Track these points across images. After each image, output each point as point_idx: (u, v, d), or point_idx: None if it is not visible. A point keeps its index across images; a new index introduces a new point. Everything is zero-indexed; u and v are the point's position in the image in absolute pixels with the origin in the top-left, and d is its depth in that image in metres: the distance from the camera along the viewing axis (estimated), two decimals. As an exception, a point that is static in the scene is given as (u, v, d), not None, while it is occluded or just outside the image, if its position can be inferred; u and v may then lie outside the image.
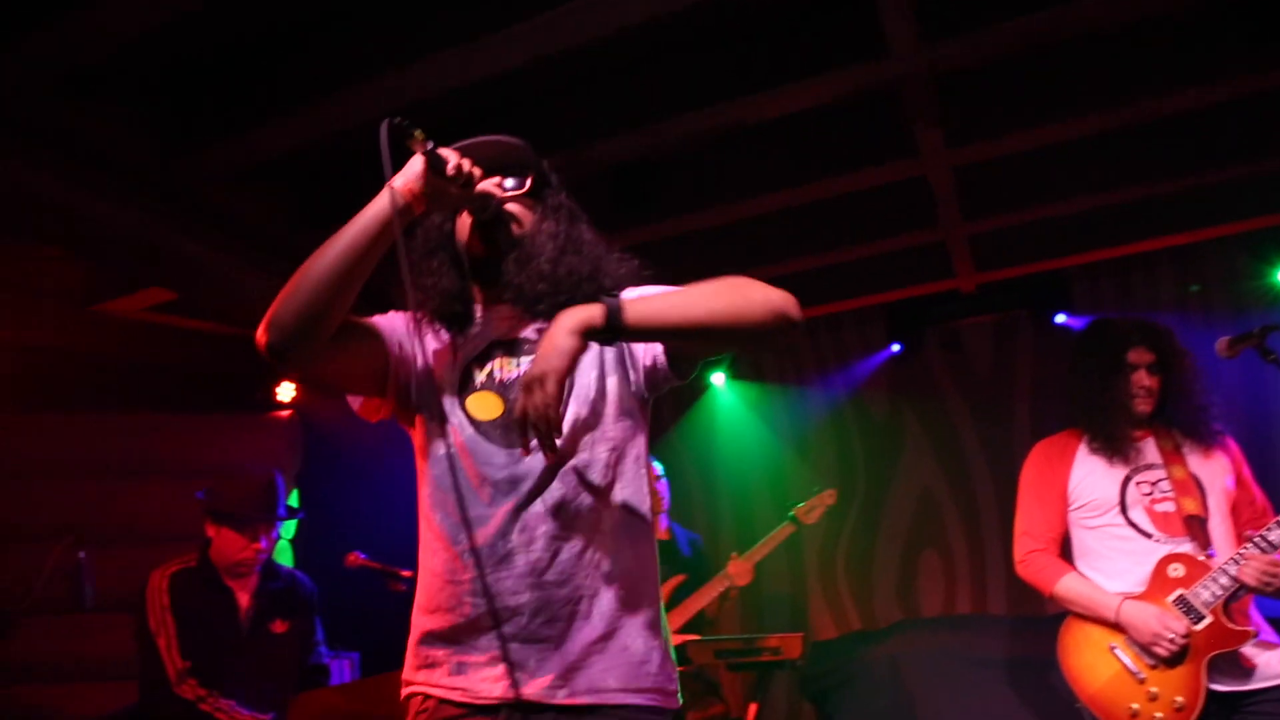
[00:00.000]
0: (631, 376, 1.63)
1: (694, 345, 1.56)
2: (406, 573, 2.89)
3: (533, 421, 1.35)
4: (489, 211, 1.58)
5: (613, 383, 1.60)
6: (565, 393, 1.54)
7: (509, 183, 1.65)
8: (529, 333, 1.62)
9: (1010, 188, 4.24)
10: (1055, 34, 3.09)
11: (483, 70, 3.04)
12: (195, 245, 3.78)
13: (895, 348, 5.35)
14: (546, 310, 1.55)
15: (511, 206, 1.64)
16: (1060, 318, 5.28)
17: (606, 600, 1.50)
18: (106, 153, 3.37)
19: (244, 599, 2.91)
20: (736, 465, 5.63)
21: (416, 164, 1.51)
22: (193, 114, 3.40)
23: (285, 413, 5.00)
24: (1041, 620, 4.51)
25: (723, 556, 4.01)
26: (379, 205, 1.50)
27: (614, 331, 1.41)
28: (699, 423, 5.74)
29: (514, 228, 1.62)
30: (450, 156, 1.50)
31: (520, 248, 1.60)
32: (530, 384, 1.36)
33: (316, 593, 3.16)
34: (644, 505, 1.60)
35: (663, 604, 1.63)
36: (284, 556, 4.69)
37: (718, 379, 5.64)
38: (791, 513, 4.05)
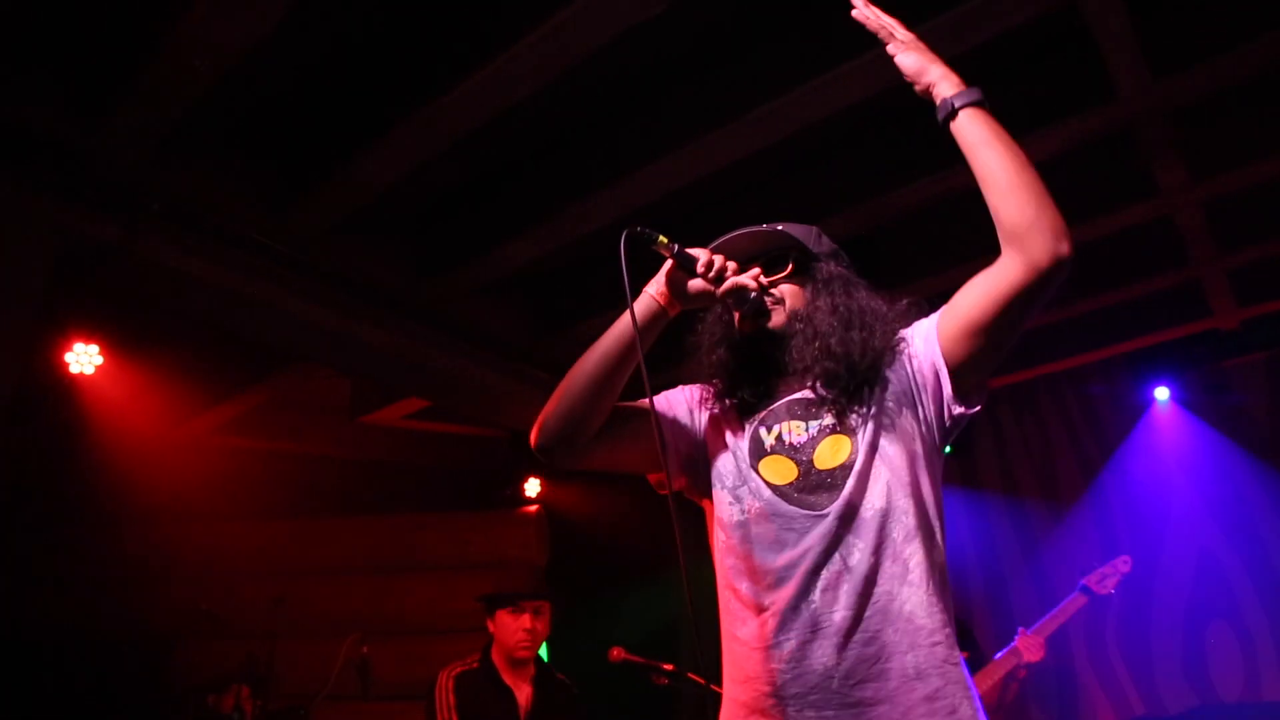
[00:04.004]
0: (921, 413, 1.56)
1: (1000, 198, 1.43)
2: (668, 665, 2.92)
3: None
4: (748, 304, 1.58)
5: (905, 423, 1.54)
6: (863, 443, 1.51)
7: (759, 271, 1.63)
8: (808, 394, 1.60)
9: (1270, 213, 3.85)
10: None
11: (704, 168, 3.19)
12: (445, 356, 4.14)
13: (1162, 395, 4.92)
14: (846, 388, 1.54)
15: (778, 291, 1.63)
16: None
17: (920, 659, 1.41)
18: (370, 281, 3.80)
19: (523, 698, 3.04)
20: (993, 535, 5.30)
21: (666, 268, 1.56)
22: (442, 239, 3.77)
23: (533, 508, 5.28)
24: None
25: (1000, 633, 3.70)
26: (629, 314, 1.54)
27: (951, 112, 1.52)
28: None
29: (778, 314, 1.61)
30: (700, 255, 1.53)
31: (799, 331, 1.59)
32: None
33: (580, 699, 3.26)
34: (943, 554, 1.52)
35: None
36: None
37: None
38: (1083, 582, 3.67)
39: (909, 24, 2.71)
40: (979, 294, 1.47)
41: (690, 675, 2.90)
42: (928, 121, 3.20)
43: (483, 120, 2.92)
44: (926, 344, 1.55)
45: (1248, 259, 4.05)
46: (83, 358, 3.60)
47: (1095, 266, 4.14)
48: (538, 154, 3.39)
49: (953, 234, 3.77)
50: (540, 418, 1.59)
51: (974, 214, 3.66)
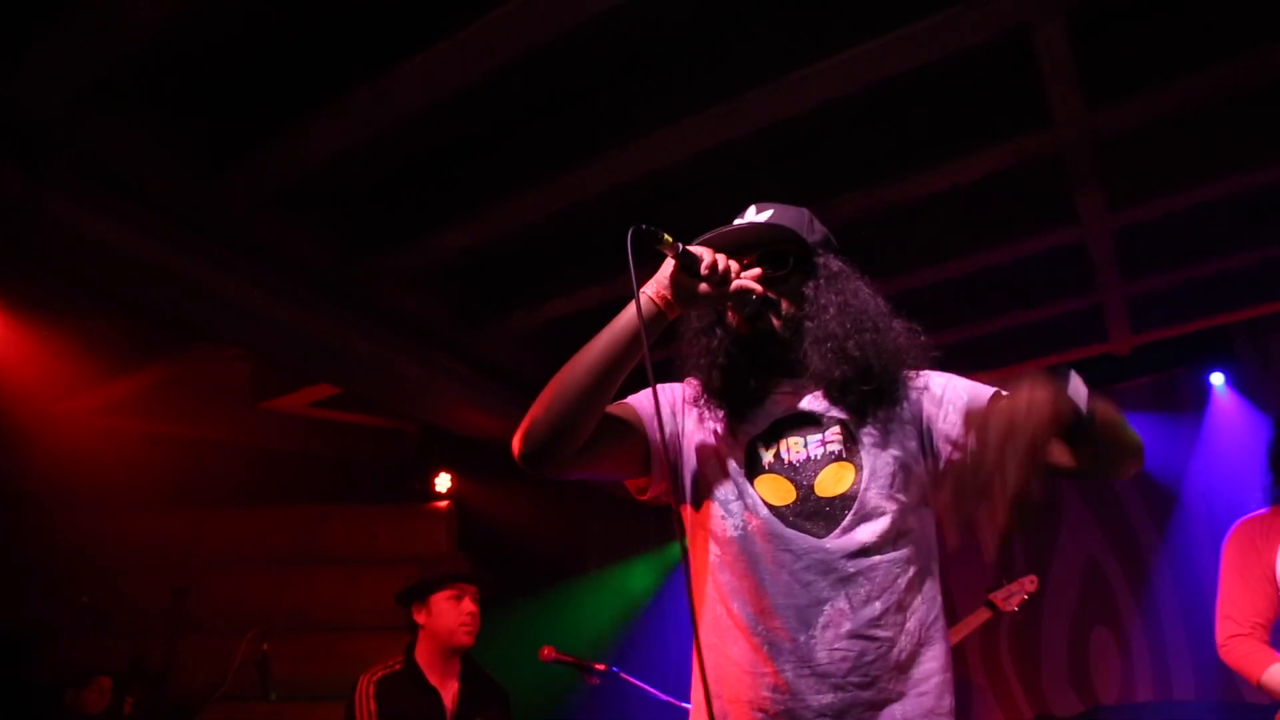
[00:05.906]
0: (926, 464, 1.51)
1: (1101, 455, 1.39)
2: (600, 665, 2.85)
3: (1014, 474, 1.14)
4: (750, 306, 1.49)
5: (915, 470, 1.50)
6: (868, 476, 1.47)
7: (761, 269, 1.53)
8: (809, 405, 1.54)
9: (1170, 246, 4.12)
10: (1217, 92, 3.04)
11: (646, 166, 3.16)
12: (366, 343, 3.95)
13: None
14: (855, 402, 1.49)
15: (779, 292, 1.54)
16: (1217, 378, 5.07)
17: (912, 709, 1.40)
18: (293, 260, 3.60)
19: (448, 698, 2.87)
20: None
21: (667, 268, 1.44)
22: (375, 221, 3.61)
23: (444, 503, 5.12)
24: (1249, 709, 4.18)
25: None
26: (629, 315, 1.43)
27: (1080, 428, 1.27)
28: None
29: (776, 318, 1.53)
30: (704, 254, 1.42)
31: (807, 331, 1.52)
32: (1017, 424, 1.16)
33: (508, 694, 3.14)
34: (940, 602, 1.50)
35: None
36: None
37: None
38: (988, 598, 3.74)
39: (867, 36, 2.80)
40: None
41: (623, 676, 2.85)
42: (869, 131, 3.33)
43: (439, 98, 2.80)
44: (952, 406, 1.51)
45: (1145, 288, 4.32)
46: (-30, 320, 3.27)
47: (1010, 287, 4.33)
48: (485, 138, 3.29)
49: (878, 243, 3.87)
50: (525, 424, 1.47)
51: (906, 224, 3.80)
